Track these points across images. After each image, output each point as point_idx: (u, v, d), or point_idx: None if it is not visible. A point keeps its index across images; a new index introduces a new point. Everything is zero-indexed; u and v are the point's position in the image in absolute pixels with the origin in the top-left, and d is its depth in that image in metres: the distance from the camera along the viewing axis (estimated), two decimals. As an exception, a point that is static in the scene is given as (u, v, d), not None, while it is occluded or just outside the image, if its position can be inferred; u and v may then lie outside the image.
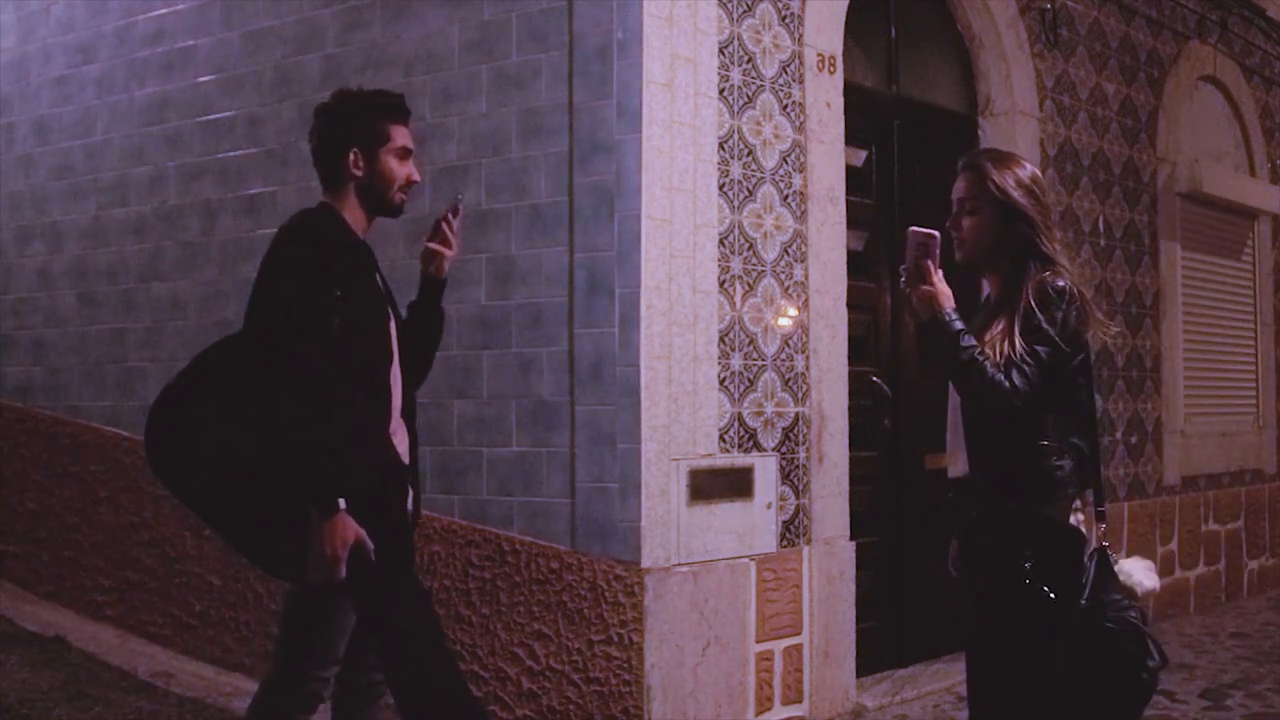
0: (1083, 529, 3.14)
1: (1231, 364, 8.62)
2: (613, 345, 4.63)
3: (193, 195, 6.06)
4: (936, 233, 3.06)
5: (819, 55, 5.37)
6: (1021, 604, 3.02)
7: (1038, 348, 3.01)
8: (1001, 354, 3.02)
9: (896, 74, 6.16)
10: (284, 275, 3.17)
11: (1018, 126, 6.55)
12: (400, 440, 3.35)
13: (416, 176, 3.43)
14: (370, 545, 3.07)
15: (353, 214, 3.35)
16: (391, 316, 3.38)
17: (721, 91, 4.93)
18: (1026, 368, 3.00)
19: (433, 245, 3.53)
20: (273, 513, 3.09)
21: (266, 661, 5.53)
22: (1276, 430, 8.96)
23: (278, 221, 5.62)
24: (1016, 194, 3.14)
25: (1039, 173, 3.24)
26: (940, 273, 3.06)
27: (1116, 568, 3.12)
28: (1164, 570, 7.58)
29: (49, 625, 6.05)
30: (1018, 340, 3.02)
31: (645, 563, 4.55)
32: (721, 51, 4.94)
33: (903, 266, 3.14)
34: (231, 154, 5.91)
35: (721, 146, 4.91)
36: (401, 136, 3.38)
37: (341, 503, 3.04)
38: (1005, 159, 3.24)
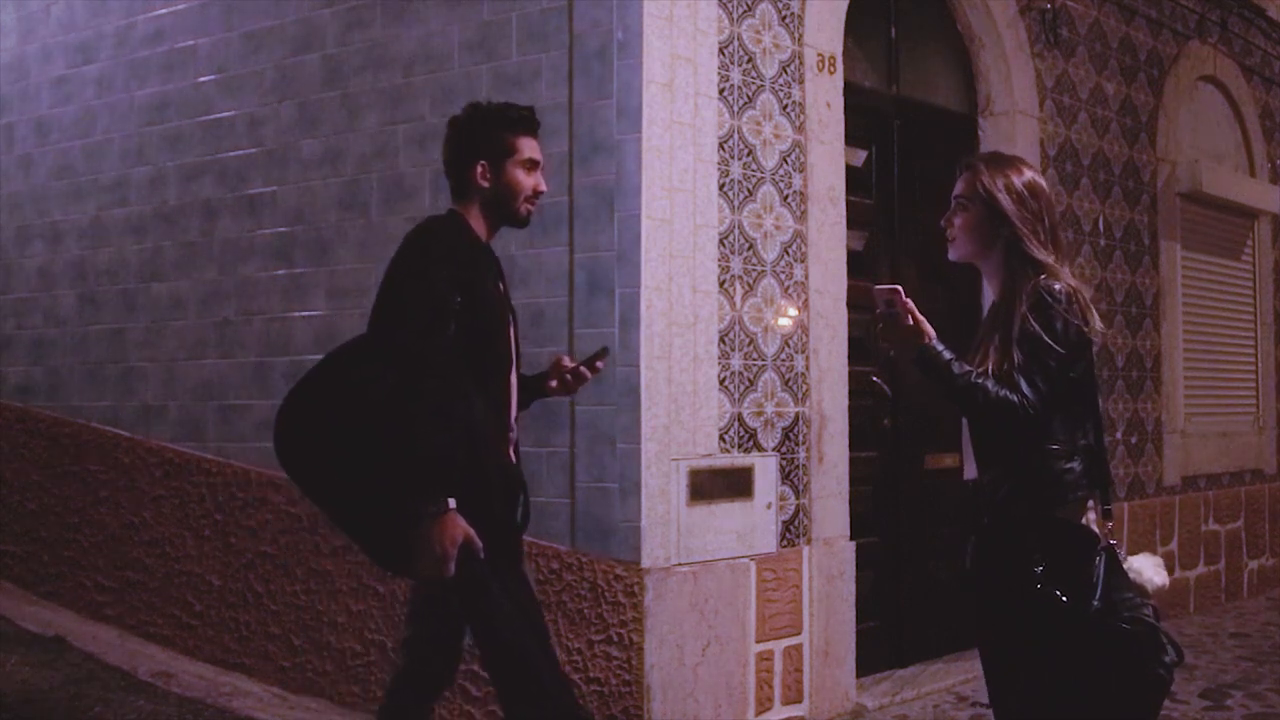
0: (1095, 529, 3.13)
1: (1231, 364, 8.62)
2: (613, 345, 4.62)
3: (193, 195, 6.07)
4: (899, 287, 3.10)
5: (819, 55, 5.37)
6: (1034, 608, 3.01)
7: (1040, 355, 3.00)
8: (1001, 367, 3.01)
9: (896, 74, 6.16)
10: (408, 278, 3.24)
11: (1018, 126, 6.55)
12: (513, 444, 3.46)
13: (543, 187, 3.51)
14: (479, 544, 3.13)
15: (478, 222, 3.44)
16: (512, 322, 3.48)
17: (721, 91, 4.93)
18: (1034, 376, 2.99)
19: (571, 385, 3.68)
20: (389, 510, 3.15)
21: (266, 661, 5.54)
22: (1276, 430, 8.96)
23: (278, 221, 5.71)
24: (1003, 197, 3.13)
25: (1039, 180, 3.22)
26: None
27: (1126, 565, 3.10)
28: (1164, 570, 7.58)
29: (49, 625, 6.05)
30: (1014, 351, 3.01)
31: (645, 563, 4.55)
32: (721, 51, 4.94)
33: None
34: (231, 154, 5.91)
35: (721, 146, 4.91)
36: (529, 148, 3.45)
37: (451, 502, 3.10)
38: (1004, 162, 3.24)
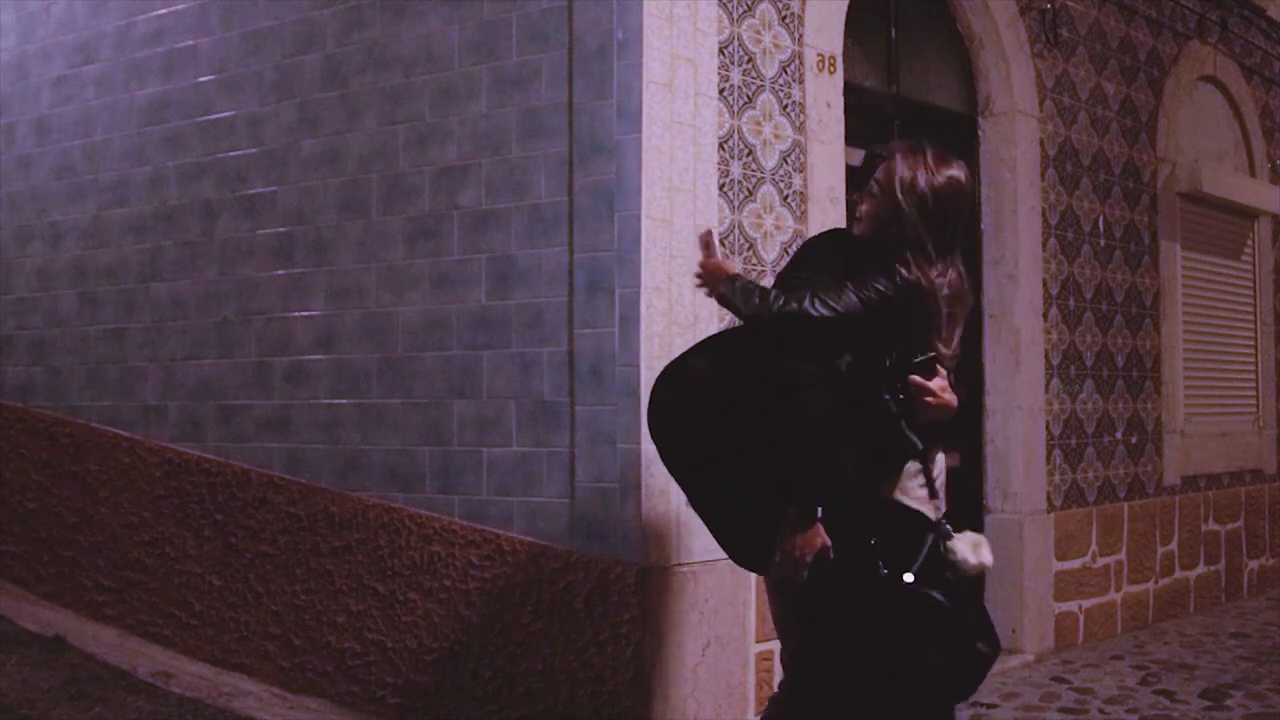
0: (920, 507, 3.22)
1: (1231, 364, 8.62)
2: (613, 345, 4.63)
3: (193, 195, 6.07)
4: (711, 229, 3.46)
5: (819, 55, 5.37)
6: (854, 578, 3.10)
7: (845, 289, 3.14)
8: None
9: (896, 74, 6.16)
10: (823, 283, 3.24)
11: (1018, 126, 6.55)
12: None
13: None
14: (832, 558, 3.14)
15: None
16: None
17: (721, 91, 4.93)
18: (830, 299, 3.11)
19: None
20: (756, 505, 3.17)
21: (266, 661, 5.54)
22: (1276, 430, 8.97)
23: (278, 221, 5.71)
24: (903, 196, 3.19)
25: (957, 182, 3.24)
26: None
27: (945, 544, 3.15)
28: (1164, 570, 7.59)
29: (49, 625, 6.05)
30: None
31: (645, 563, 4.55)
32: (721, 51, 4.94)
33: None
34: (231, 154, 5.91)
35: (721, 146, 4.91)
36: None
37: (819, 512, 3.12)
38: (921, 157, 3.25)
